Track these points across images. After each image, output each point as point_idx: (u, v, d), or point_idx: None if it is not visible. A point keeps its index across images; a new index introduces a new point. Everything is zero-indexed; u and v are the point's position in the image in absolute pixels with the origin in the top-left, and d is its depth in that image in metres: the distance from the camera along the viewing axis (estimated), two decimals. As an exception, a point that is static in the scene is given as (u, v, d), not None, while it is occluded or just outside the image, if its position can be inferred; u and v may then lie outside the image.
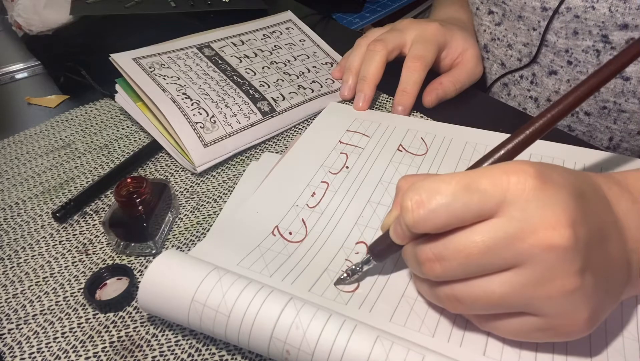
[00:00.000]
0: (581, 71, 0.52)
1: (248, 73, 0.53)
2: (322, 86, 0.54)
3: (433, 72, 0.53)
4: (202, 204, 0.42)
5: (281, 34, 0.61)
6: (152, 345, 0.32)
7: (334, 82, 0.55)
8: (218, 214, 0.40)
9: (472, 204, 0.26)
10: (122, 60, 0.49)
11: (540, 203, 0.25)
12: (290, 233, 0.38)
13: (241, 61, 0.55)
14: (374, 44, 0.50)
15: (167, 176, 0.45)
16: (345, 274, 0.33)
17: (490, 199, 0.26)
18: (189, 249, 0.38)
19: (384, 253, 0.32)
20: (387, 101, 0.53)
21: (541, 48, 0.54)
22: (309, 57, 0.58)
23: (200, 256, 0.33)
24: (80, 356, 0.31)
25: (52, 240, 0.39)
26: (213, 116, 0.46)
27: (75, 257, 0.38)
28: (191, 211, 0.41)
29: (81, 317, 0.34)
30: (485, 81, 0.62)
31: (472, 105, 0.53)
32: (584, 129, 0.55)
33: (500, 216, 0.26)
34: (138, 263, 0.37)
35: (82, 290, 0.35)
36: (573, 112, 0.49)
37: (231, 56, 0.55)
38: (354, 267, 0.33)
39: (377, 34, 0.53)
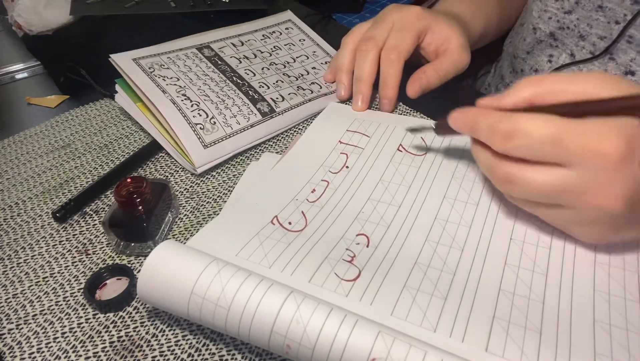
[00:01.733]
0: None
1: (247, 74, 0.53)
2: (321, 87, 0.54)
3: (420, 62, 0.52)
4: (202, 204, 0.42)
5: (281, 34, 0.61)
6: (152, 345, 0.32)
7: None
8: (218, 214, 0.40)
9: (551, 157, 0.30)
10: (122, 61, 0.49)
11: (609, 176, 0.29)
12: (289, 223, 0.38)
13: (241, 62, 0.55)
14: (365, 44, 0.50)
15: (167, 176, 0.45)
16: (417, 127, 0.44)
17: (571, 159, 0.29)
18: (188, 250, 0.38)
19: (446, 131, 0.40)
20: (386, 101, 0.53)
21: (620, 44, 0.49)
22: (308, 58, 0.58)
23: (198, 246, 0.33)
24: (80, 356, 0.31)
25: (52, 240, 0.39)
26: (213, 117, 0.46)
27: (75, 257, 0.38)
28: (191, 211, 0.41)
29: (81, 317, 0.34)
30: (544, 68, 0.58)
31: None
32: None
33: (569, 169, 0.30)
34: (138, 263, 0.37)
35: (82, 290, 0.35)
36: None
37: (231, 57, 0.55)
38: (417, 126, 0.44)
39: (363, 29, 0.53)
